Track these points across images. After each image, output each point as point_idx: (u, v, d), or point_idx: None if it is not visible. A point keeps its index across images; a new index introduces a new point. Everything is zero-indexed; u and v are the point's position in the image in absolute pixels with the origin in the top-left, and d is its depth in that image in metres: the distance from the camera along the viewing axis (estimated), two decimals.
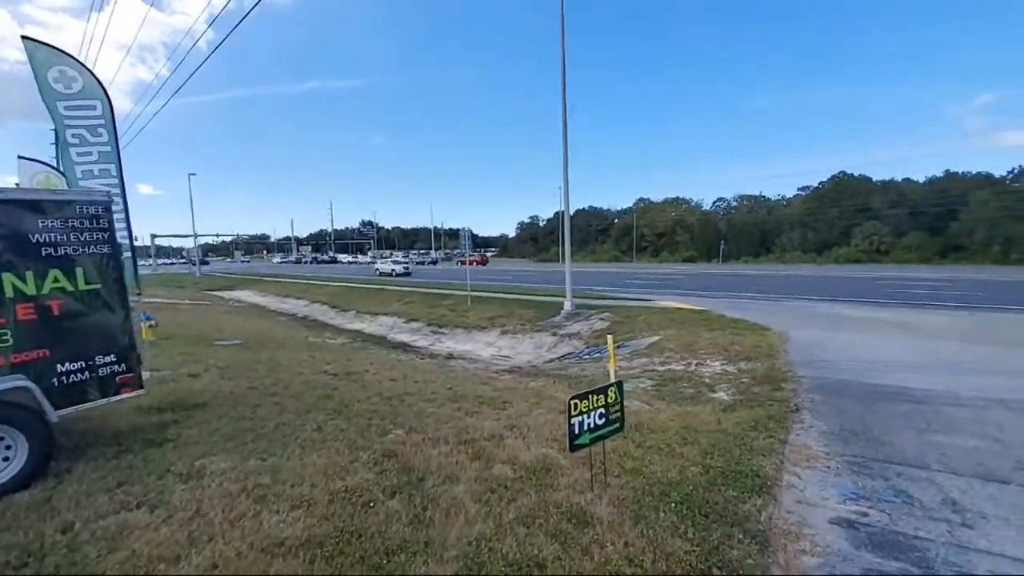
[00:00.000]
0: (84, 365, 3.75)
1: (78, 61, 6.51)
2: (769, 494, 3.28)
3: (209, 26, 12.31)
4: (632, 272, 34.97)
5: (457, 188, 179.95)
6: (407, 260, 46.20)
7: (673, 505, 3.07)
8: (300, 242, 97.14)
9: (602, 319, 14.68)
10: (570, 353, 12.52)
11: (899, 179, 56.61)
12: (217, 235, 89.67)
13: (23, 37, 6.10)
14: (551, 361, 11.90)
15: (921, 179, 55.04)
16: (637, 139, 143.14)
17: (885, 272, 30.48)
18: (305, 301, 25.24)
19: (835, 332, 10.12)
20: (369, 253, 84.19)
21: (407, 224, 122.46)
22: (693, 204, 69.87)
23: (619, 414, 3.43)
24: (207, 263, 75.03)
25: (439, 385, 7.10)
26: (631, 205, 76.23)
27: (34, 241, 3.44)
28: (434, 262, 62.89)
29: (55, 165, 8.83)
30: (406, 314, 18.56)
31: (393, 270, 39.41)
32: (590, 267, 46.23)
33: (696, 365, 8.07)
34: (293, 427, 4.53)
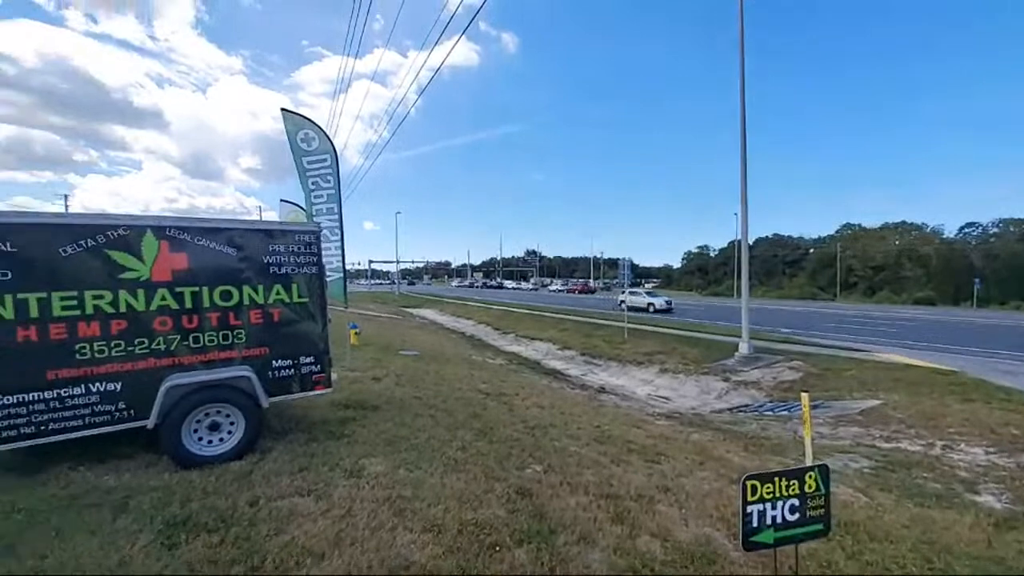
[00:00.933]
0: (291, 363, 4.49)
1: (315, 124, 8.33)
2: None
3: (407, 90, 14.75)
4: (836, 313, 28.61)
5: (618, 218, 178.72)
6: (667, 296, 32.26)
7: None
8: (474, 268, 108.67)
9: (791, 368, 12.19)
10: (746, 405, 10.63)
11: None
12: (412, 261, 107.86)
13: (282, 109, 8.10)
14: (721, 411, 10.27)
15: None
16: (838, 155, 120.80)
17: None
18: (473, 321, 27.59)
19: None
20: (531, 280, 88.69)
21: (567, 254, 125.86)
22: (928, 230, 54.68)
23: (822, 511, 2.53)
24: (414, 284, 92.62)
25: (586, 421, 6.66)
26: (833, 232, 63.84)
27: (265, 262, 4.32)
28: (592, 291, 62.83)
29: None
30: (561, 341, 18.57)
31: (651, 304, 28.35)
32: (775, 304, 39.64)
33: (943, 448, 5.86)
34: (441, 442, 4.67)
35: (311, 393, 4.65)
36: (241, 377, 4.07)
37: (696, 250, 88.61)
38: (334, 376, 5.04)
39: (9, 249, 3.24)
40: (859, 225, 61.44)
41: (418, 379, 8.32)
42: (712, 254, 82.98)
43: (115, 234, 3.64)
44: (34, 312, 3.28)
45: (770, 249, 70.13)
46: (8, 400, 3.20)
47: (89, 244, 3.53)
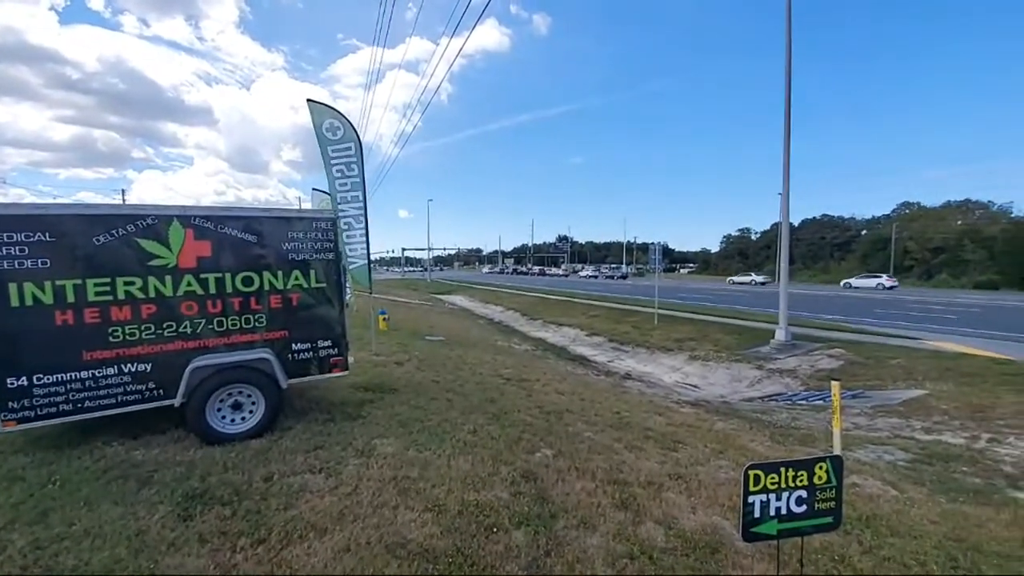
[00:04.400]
0: (310, 346, 4.65)
1: (340, 113, 8.43)
2: None
3: (439, 78, 14.70)
4: (887, 299, 26.92)
5: (653, 202, 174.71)
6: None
7: None
8: (505, 255, 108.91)
9: (831, 356, 11.61)
10: (779, 394, 10.22)
11: None
12: (444, 249, 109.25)
13: (308, 100, 8.25)
14: (751, 400, 9.93)
15: None
16: (896, 132, 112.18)
17: None
18: (502, 308, 27.70)
19: None
20: (562, 266, 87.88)
21: (599, 239, 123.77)
22: (995, 209, 50.18)
23: (833, 504, 2.40)
24: (443, 270, 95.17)
25: (605, 407, 6.58)
26: (889, 212, 59.92)
27: (284, 248, 4.45)
28: (624, 276, 61.51)
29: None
30: (589, 327, 18.38)
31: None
32: (822, 289, 37.64)
33: (988, 441, 5.45)
34: (453, 425, 4.73)
35: (329, 375, 4.80)
36: (261, 359, 4.25)
37: (736, 233, 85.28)
38: (352, 359, 5.18)
39: (48, 239, 3.48)
40: (918, 204, 57.21)
41: (440, 364, 8.45)
42: (754, 237, 79.68)
43: (144, 223, 3.84)
44: (71, 297, 3.53)
45: (817, 231, 66.54)
46: (48, 379, 3.47)
47: (120, 233, 3.75)
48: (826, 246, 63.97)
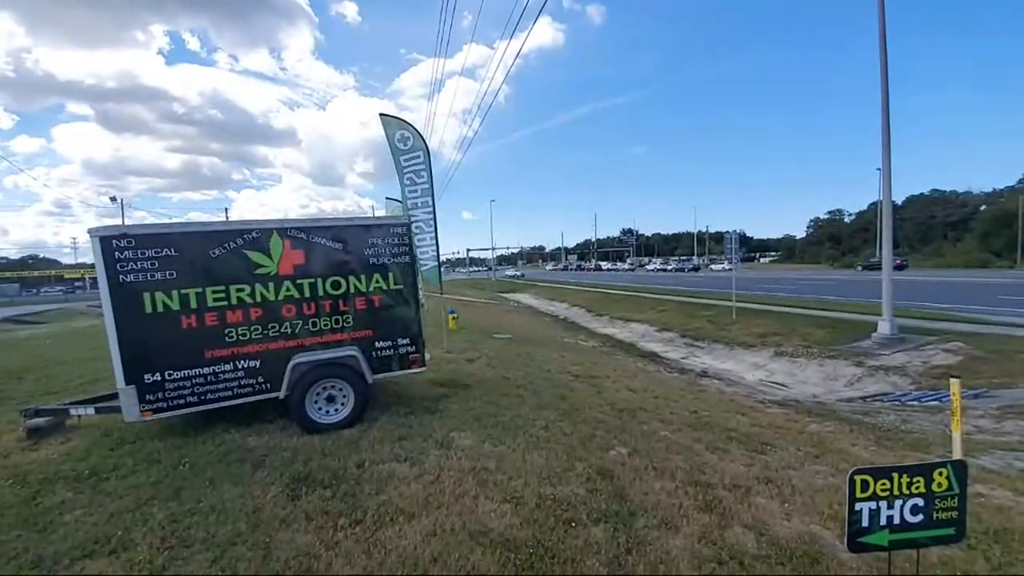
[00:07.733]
0: (391, 344, 4.95)
1: (410, 124, 8.87)
2: None
3: (498, 80, 14.90)
4: (1015, 283, 23.06)
5: (726, 187, 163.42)
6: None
7: None
8: (568, 251, 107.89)
9: (947, 350, 10.24)
10: (885, 393, 9.20)
11: None
12: (508, 247, 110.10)
13: (380, 114, 8.77)
14: (851, 400, 9.02)
15: None
16: (1015, 89, 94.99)
17: None
18: (567, 304, 27.56)
19: None
20: (628, 260, 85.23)
21: (667, 230, 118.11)
22: None
23: (955, 515, 2.14)
24: (515, 268, 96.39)
25: (681, 406, 6.32)
26: (1014, 183, 51.29)
27: (365, 253, 4.78)
28: (695, 268, 58.18)
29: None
30: (659, 323, 17.72)
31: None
32: (932, 275, 33.07)
33: None
34: (526, 421, 4.80)
35: (408, 371, 5.07)
36: (350, 356, 4.61)
37: (826, 216, 77.58)
38: (428, 356, 5.44)
39: (174, 253, 4.03)
40: None
41: (509, 361, 8.61)
42: (847, 219, 72.03)
43: (250, 236, 4.32)
44: (193, 304, 4.06)
45: (925, 209, 58.80)
46: (177, 375, 4.03)
47: (231, 246, 4.25)
48: (937, 226, 56.33)
